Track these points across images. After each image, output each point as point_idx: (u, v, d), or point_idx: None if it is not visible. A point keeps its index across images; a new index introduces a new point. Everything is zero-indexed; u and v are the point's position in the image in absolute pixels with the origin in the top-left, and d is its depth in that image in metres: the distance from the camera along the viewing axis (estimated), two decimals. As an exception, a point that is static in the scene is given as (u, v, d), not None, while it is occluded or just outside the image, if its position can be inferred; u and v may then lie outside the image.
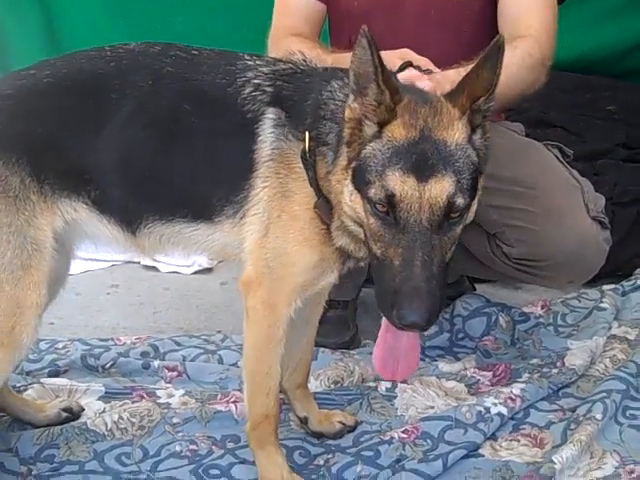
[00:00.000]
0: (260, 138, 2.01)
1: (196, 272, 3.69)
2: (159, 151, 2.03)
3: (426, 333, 2.88)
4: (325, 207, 1.99)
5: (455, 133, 1.82)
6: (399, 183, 1.77)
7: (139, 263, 3.71)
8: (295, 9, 2.77)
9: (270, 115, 2.01)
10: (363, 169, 1.83)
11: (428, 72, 2.21)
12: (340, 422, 2.43)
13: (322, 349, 2.81)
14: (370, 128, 1.84)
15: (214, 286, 3.57)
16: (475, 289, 3.24)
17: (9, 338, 2.01)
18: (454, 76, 2.08)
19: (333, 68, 2.15)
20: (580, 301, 3.12)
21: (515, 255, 2.66)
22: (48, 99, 2.05)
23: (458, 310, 2.97)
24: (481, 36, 2.57)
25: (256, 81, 2.04)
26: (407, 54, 2.24)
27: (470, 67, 1.90)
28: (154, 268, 3.69)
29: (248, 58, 2.10)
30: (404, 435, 2.34)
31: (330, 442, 2.40)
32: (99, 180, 2.05)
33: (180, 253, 2.21)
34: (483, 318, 2.94)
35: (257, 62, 2.08)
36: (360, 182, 1.84)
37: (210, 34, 3.91)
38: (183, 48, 2.12)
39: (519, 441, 2.38)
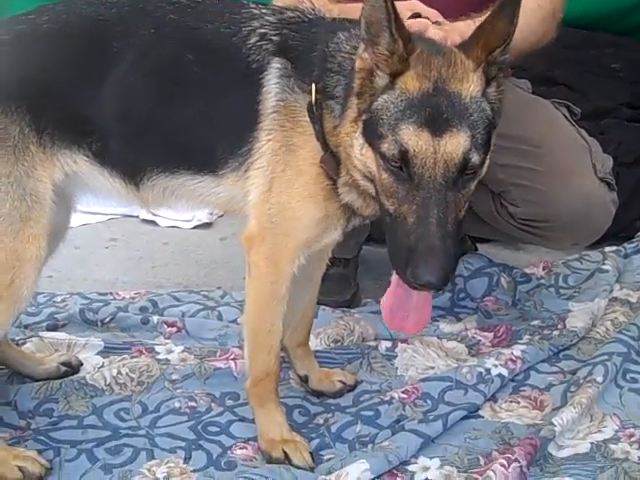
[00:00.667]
0: (265, 89, 1.96)
1: (196, 227, 3.65)
2: (162, 102, 1.99)
3: (427, 292, 2.87)
4: (332, 162, 1.95)
5: (470, 85, 1.77)
6: (413, 138, 1.72)
7: (138, 217, 3.67)
8: None
9: (276, 65, 1.96)
10: (375, 122, 1.78)
11: (437, 24, 2.16)
12: (340, 381, 2.42)
13: (323, 307, 2.80)
14: (382, 79, 1.80)
15: (214, 241, 3.53)
16: (477, 249, 3.22)
17: (8, 291, 1.99)
18: (464, 28, 2.03)
19: (341, 19, 2.09)
20: (582, 263, 3.09)
21: (520, 215, 2.63)
22: (48, 45, 1.99)
23: (460, 270, 2.93)
24: None
25: (262, 30, 1.99)
26: (416, 5, 2.19)
27: (481, 19, 1.86)
28: (153, 222, 3.65)
29: (254, 7, 2.05)
30: (404, 395, 2.33)
31: (330, 401, 2.39)
32: (100, 131, 2.00)
33: (184, 206, 2.17)
34: (485, 278, 2.92)
35: (263, 11, 2.03)
36: (372, 135, 1.79)
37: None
38: None
39: (519, 403, 2.37)
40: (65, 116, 1.98)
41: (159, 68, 1.98)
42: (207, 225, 3.67)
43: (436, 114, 1.73)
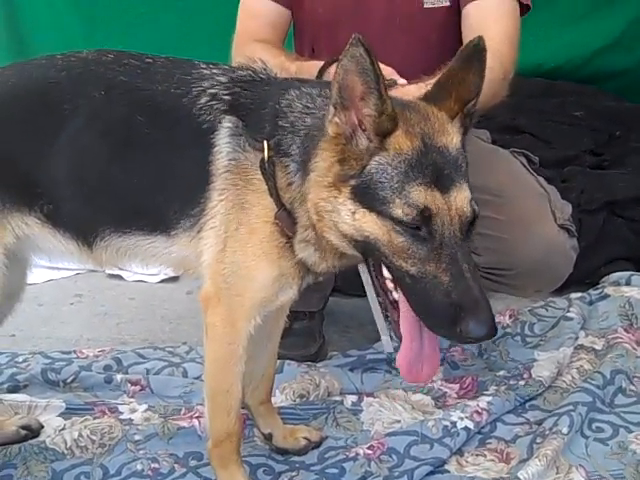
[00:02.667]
0: (216, 149, 1.94)
1: (162, 280, 3.62)
2: (112, 163, 1.98)
3: (393, 345, 2.86)
4: (286, 218, 1.92)
5: (452, 138, 1.79)
6: (428, 198, 1.72)
7: (104, 271, 3.64)
8: (259, 14, 2.73)
9: (227, 124, 1.95)
10: (372, 186, 1.75)
11: (392, 82, 2.19)
12: (305, 438, 2.39)
13: (288, 362, 2.77)
14: (366, 141, 1.77)
15: (180, 295, 3.51)
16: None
17: None
18: (415, 91, 2.05)
19: (292, 78, 2.11)
20: (547, 310, 3.10)
21: (483, 264, 2.64)
22: None
23: (426, 320, 2.93)
24: (448, 42, 2.56)
25: (212, 90, 1.98)
26: None
27: (431, 82, 1.88)
28: (119, 277, 3.62)
29: (204, 67, 2.04)
30: (369, 451, 2.31)
31: (295, 459, 2.36)
32: (51, 193, 1.99)
33: (138, 265, 2.15)
34: (451, 328, 2.91)
35: (214, 71, 2.02)
36: (370, 200, 1.76)
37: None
38: (137, 56, 2.06)
39: (485, 456, 2.36)
40: (15, 180, 1.97)
41: (110, 130, 1.98)
42: (174, 279, 3.62)
43: (437, 171, 1.74)
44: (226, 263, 1.96)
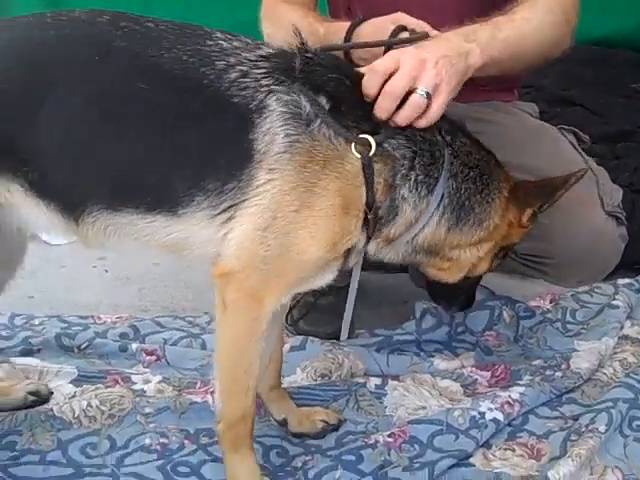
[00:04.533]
0: (264, 128, 1.78)
1: (189, 247, 3.51)
2: (108, 133, 1.80)
3: (423, 326, 2.71)
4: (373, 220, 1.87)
5: None
6: None
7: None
8: None
9: (280, 106, 1.79)
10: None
11: (424, 35, 2.03)
12: (322, 420, 2.26)
13: (311, 338, 2.64)
14: None
15: (205, 264, 3.37)
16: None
17: None
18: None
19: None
20: (592, 296, 2.90)
21: (520, 249, 2.45)
22: None
23: (459, 303, 2.77)
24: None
25: (242, 67, 1.81)
26: (400, 19, 2.07)
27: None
28: (146, 240, 3.51)
29: (221, 37, 1.86)
30: (390, 439, 2.16)
31: (311, 442, 2.22)
32: (36, 161, 1.82)
33: (129, 246, 1.99)
34: (486, 312, 2.73)
35: (234, 44, 1.84)
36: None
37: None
38: (135, 19, 1.86)
39: (514, 451, 2.19)
40: None
41: (105, 98, 1.80)
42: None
43: None
44: (270, 243, 1.80)
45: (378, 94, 1.83)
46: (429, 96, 1.85)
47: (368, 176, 1.81)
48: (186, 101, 1.80)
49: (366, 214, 1.85)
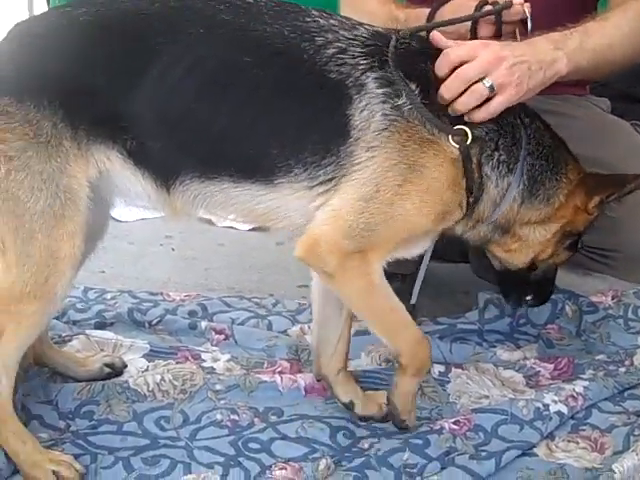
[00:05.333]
0: (362, 104, 1.87)
1: (253, 229, 3.57)
2: (210, 103, 1.88)
3: (486, 316, 2.75)
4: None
5: None
6: None
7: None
8: None
9: (379, 87, 1.89)
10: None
11: (508, 4, 2.06)
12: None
13: (377, 324, 2.69)
14: None
15: (270, 245, 3.45)
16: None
17: (42, 290, 1.92)
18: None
19: None
20: (655, 293, 2.92)
21: (586, 242, 2.48)
22: (84, 39, 1.91)
23: (522, 294, 2.80)
24: None
25: (340, 44, 1.89)
26: None
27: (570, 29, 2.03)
28: (210, 220, 3.58)
29: (317, 14, 1.94)
30: (455, 426, 2.21)
31: (377, 425, 2.28)
32: (136, 129, 1.90)
33: (219, 216, 2.08)
34: (548, 305, 2.75)
35: (331, 22, 1.92)
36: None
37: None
38: None
39: (577, 443, 2.22)
40: (101, 112, 1.89)
41: (209, 69, 1.88)
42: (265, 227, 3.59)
43: None
44: (373, 212, 1.90)
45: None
46: (492, 90, 1.90)
47: (466, 163, 1.91)
48: (286, 74, 1.88)
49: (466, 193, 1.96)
